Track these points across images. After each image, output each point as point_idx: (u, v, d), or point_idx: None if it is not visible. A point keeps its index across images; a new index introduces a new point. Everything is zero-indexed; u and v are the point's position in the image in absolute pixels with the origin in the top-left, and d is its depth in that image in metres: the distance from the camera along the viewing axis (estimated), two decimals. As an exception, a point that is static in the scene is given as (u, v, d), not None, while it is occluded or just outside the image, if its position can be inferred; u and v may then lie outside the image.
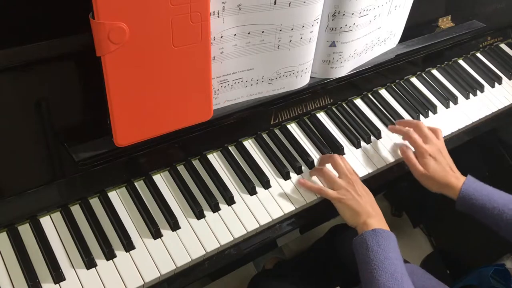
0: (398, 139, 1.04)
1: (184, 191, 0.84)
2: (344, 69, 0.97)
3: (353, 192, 0.85)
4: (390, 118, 1.09)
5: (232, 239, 0.80)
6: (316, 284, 1.16)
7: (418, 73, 1.22)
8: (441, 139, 0.96)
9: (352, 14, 0.86)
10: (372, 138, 1.03)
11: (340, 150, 0.98)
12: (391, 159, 1.00)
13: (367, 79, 1.08)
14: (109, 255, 0.74)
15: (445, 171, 0.90)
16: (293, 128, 1.00)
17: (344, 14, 0.86)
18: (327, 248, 1.17)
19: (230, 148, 0.92)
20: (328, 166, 0.92)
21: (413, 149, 0.96)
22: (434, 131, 0.97)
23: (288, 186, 0.90)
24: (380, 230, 0.79)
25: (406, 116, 1.11)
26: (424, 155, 0.92)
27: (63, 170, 0.75)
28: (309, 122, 1.02)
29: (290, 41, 0.83)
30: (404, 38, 1.09)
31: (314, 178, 0.92)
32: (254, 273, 1.50)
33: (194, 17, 0.67)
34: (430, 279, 0.95)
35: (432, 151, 0.92)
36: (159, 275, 0.74)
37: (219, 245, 0.79)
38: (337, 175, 0.88)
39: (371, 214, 0.82)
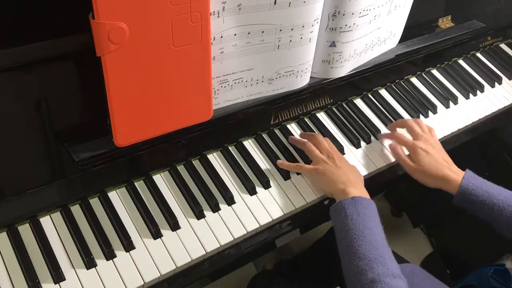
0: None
1: (184, 191, 0.84)
2: (344, 69, 0.97)
3: (331, 163, 0.84)
4: (390, 118, 1.09)
5: (232, 239, 0.80)
6: (316, 284, 1.16)
7: (418, 73, 1.22)
8: (434, 136, 0.96)
9: (352, 14, 0.86)
10: (372, 138, 1.03)
11: (340, 150, 0.98)
12: (391, 159, 1.00)
13: (367, 79, 1.08)
14: (109, 255, 0.74)
15: (439, 164, 0.89)
16: (293, 128, 1.00)
17: (344, 14, 0.86)
18: (327, 248, 1.17)
19: (230, 148, 0.92)
20: None
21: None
22: (428, 128, 0.97)
23: (288, 186, 0.90)
24: (360, 198, 0.77)
25: (406, 116, 1.11)
26: (415, 150, 0.91)
27: (63, 170, 0.75)
28: (309, 122, 1.02)
29: (290, 41, 0.83)
30: (404, 38, 1.09)
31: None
32: (254, 273, 1.50)
33: (194, 17, 0.67)
34: (430, 279, 0.95)
35: (424, 146, 0.91)
36: (159, 275, 0.74)
37: (219, 245, 0.79)
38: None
39: (350, 183, 0.81)
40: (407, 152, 0.96)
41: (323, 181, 0.84)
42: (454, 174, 0.88)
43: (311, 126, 1.01)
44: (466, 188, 0.85)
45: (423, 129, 0.96)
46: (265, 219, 0.84)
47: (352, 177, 0.83)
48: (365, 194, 0.80)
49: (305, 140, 0.92)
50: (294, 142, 0.94)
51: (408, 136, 0.97)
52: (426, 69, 1.23)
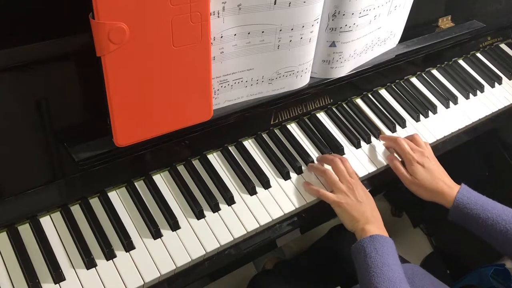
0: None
1: (184, 191, 0.84)
2: (344, 69, 0.97)
3: (353, 197, 0.85)
4: (390, 118, 1.09)
5: (232, 239, 0.80)
6: (316, 284, 1.16)
7: (418, 73, 1.22)
8: (429, 148, 0.96)
9: (352, 14, 0.86)
10: (372, 138, 1.03)
11: (340, 150, 0.98)
12: (391, 159, 1.00)
13: (367, 79, 1.08)
14: (109, 255, 0.74)
15: (434, 178, 0.89)
16: (293, 128, 1.00)
17: (344, 14, 0.86)
18: (327, 248, 1.17)
19: (230, 148, 0.92)
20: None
21: (400, 159, 0.95)
22: (424, 143, 0.97)
23: (288, 186, 0.90)
24: (378, 236, 0.79)
25: (406, 116, 1.11)
26: (411, 162, 0.91)
27: (63, 170, 0.75)
28: (309, 122, 1.02)
29: (290, 41, 0.83)
30: (404, 38, 1.09)
31: (314, 178, 0.92)
32: (254, 273, 1.50)
33: (194, 17, 0.67)
34: (430, 279, 0.95)
35: (420, 159, 0.91)
36: (159, 275, 0.74)
37: (219, 245, 0.79)
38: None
39: (369, 220, 0.82)
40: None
41: (344, 217, 0.85)
42: (449, 188, 0.88)
43: (311, 126, 1.01)
44: (461, 202, 0.86)
45: (419, 143, 0.95)
46: (265, 219, 0.84)
47: (370, 213, 0.84)
48: (383, 230, 0.82)
49: (325, 168, 0.90)
50: (313, 170, 0.92)
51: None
52: (426, 69, 1.23)
